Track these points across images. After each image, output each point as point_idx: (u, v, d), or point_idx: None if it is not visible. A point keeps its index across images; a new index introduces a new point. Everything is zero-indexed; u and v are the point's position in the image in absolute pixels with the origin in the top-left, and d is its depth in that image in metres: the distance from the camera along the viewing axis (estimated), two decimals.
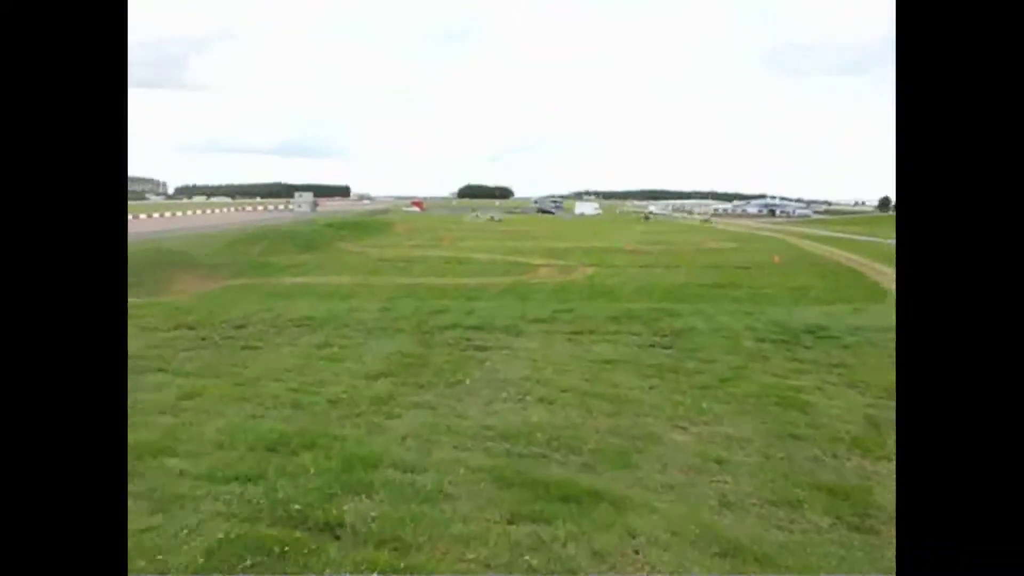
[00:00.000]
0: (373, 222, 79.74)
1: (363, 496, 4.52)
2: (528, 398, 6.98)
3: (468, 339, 9.84)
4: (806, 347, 9.84)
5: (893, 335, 8.38)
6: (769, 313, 13.40)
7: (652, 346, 9.67)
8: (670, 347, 9.60)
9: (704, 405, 6.86)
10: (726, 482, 5.11)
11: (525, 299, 24.13)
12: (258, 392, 6.98)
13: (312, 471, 4.85)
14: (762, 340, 10.23)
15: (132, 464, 4.76)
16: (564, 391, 7.23)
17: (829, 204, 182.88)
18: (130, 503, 4.01)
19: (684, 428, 6.25)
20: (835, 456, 5.65)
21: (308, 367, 8.19)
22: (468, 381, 7.58)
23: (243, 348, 9.30)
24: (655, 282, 33.44)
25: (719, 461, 5.49)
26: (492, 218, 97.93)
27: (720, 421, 6.46)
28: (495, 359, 8.64)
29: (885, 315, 13.02)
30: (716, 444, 5.86)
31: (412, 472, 4.96)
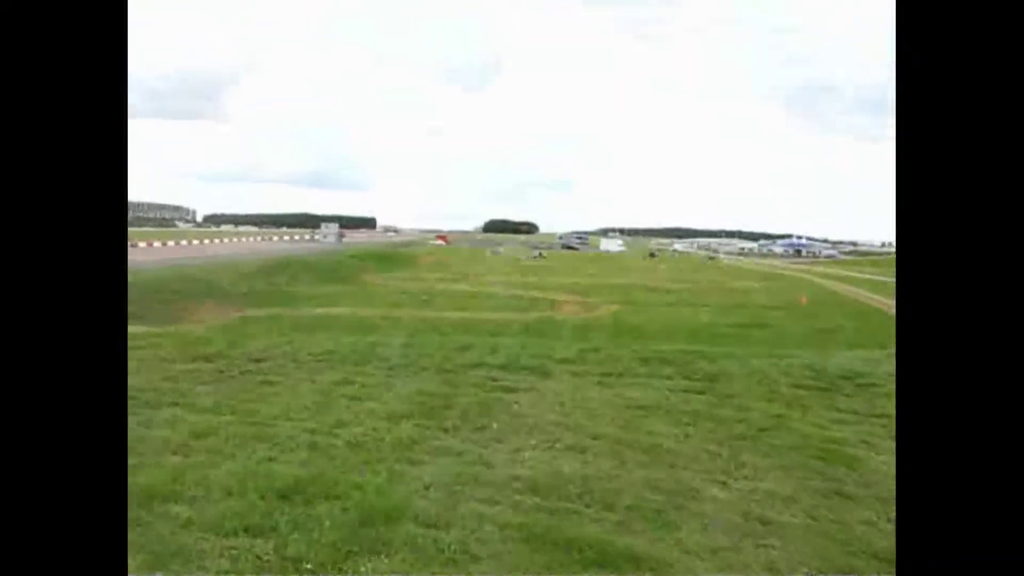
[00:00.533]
0: (398, 255, 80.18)
1: (382, 555, 4.18)
2: (558, 445, 6.60)
3: (494, 379, 9.47)
4: (846, 395, 9.38)
5: None
6: (803, 357, 12.88)
7: (685, 391, 9.23)
8: (704, 392, 9.17)
9: (744, 458, 6.46)
10: (774, 547, 4.70)
11: (550, 336, 23.83)
12: (274, 432, 6.65)
13: (327, 524, 4.51)
14: (799, 386, 9.78)
15: (136, 511, 4.47)
16: (595, 438, 6.85)
17: (856, 245, 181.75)
18: (129, 557, 3.69)
19: (724, 483, 5.84)
20: (890, 520, 5.21)
21: (327, 405, 7.85)
22: (495, 425, 7.20)
23: (261, 383, 8.99)
24: (680, 321, 33.08)
25: (764, 522, 5.08)
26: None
27: (762, 476, 6.05)
28: (522, 402, 8.27)
29: None
30: (759, 502, 5.46)
31: (435, 528, 4.61)
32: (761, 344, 24.29)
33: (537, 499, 5.25)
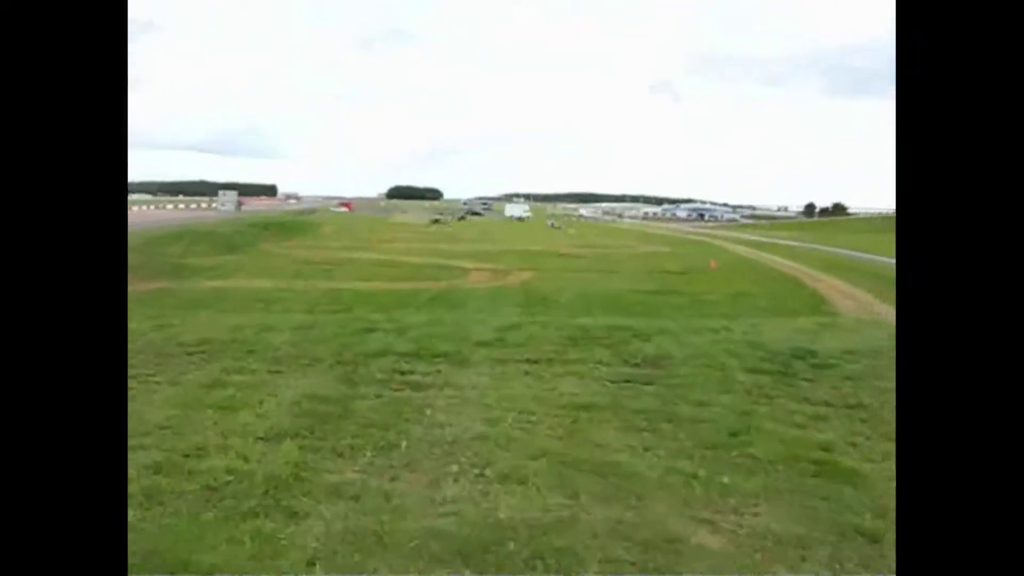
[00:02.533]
0: (299, 222, 77.59)
1: None
2: (488, 472, 5.06)
3: (402, 372, 7.82)
4: (808, 380, 8.14)
5: (890, 362, 6.79)
6: (737, 330, 11.72)
7: (628, 381, 7.82)
8: (650, 382, 7.79)
9: (725, 479, 5.09)
10: None
11: (460, 308, 22.52)
12: None
13: None
14: (753, 371, 8.49)
15: None
16: (535, 459, 5.32)
17: (754, 209, 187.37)
18: None
19: (711, 522, 4.43)
20: None
21: (189, 421, 6.05)
22: (404, 444, 5.59)
23: None
24: (592, 289, 32.14)
25: None
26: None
27: (753, 506, 4.68)
28: (438, 405, 6.64)
29: (861, 333, 11.56)
30: (767, 552, 4.07)
31: None
32: (673, 310, 23.62)
33: (468, 571, 3.72)
